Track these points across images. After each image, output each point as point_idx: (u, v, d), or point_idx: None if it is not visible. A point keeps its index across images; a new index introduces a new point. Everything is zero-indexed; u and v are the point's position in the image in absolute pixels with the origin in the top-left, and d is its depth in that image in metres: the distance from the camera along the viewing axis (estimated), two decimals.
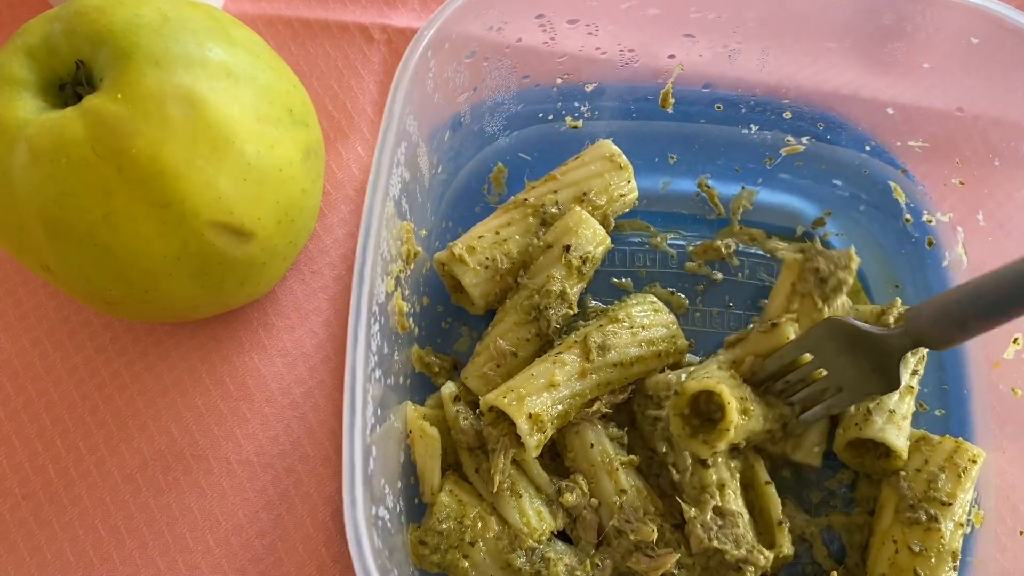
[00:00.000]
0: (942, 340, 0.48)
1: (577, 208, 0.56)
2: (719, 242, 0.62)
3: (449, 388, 0.54)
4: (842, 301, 0.56)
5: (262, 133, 0.48)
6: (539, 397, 0.49)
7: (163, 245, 0.46)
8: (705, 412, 0.50)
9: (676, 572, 0.50)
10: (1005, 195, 0.57)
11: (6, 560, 0.53)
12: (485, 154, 0.62)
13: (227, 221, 0.47)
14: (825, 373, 0.52)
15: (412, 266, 0.53)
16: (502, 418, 0.50)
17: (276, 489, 0.55)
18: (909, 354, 0.56)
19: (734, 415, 0.48)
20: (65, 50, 0.46)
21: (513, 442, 0.50)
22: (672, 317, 0.56)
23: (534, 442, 0.49)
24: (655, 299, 0.56)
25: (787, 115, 0.62)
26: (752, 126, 0.63)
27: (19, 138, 0.44)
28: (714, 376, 0.50)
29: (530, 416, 0.49)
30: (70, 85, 0.47)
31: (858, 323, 0.51)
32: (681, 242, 0.63)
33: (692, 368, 0.54)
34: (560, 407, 0.50)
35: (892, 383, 0.51)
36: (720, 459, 0.52)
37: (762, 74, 0.59)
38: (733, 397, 0.49)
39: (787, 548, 0.52)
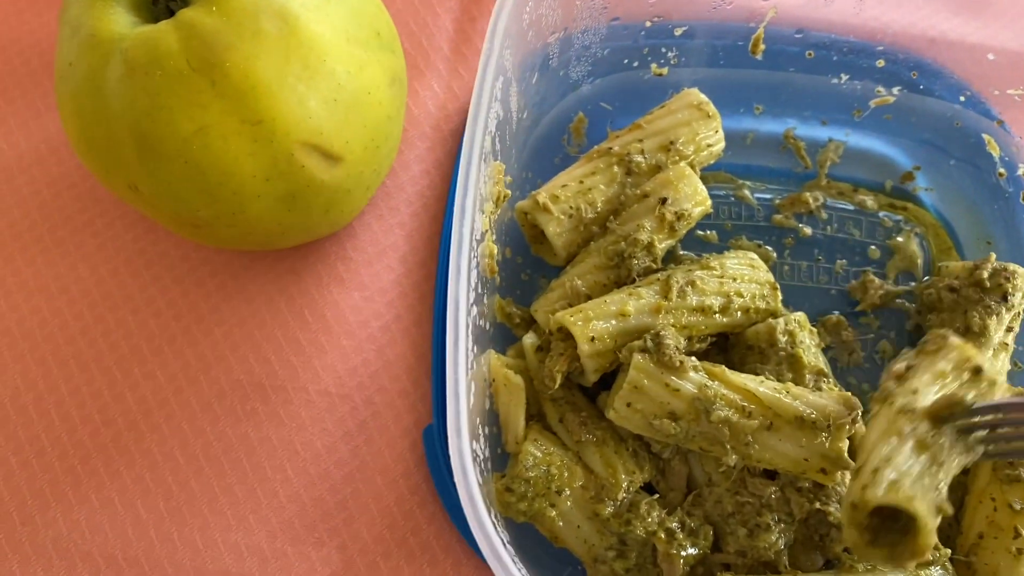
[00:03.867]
0: None
1: (683, 164, 0.54)
2: (807, 195, 0.60)
3: (531, 338, 0.52)
4: None
5: (352, 54, 0.47)
6: (606, 323, 0.48)
7: (253, 164, 0.45)
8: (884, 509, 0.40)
9: (772, 524, 0.48)
10: None
11: (87, 484, 0.53)
12: (567, 102, 0.60)
13: (317, 142, 0.46)
14: None
15: (499, 210, 0.52)
16: (570, 342, 0.49)
17: (354, 420, 0.54)
18: (1004, 310, 0.53)
19: (930, 540, 0.38)
20: None
21: (575, 360, 0.49)
22: (770, 277, 0.52)
23: (593, 365, 0.48)
24: (756, 257, 0.53)
25: (880, 63, 0.59)
26: (842, 75, 0.60)
27: (114, 51, 0.43)
28: (903, 474, 0.39)
29: (593, 339, 0.47)
30: (163, 0, 0.45)
31: None
32: (767, 195, 0.60)
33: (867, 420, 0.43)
34: (626, 338, 0.48)
35: None
36: None
37: (858, 18, 0.57)
38: (931, 514, 0.38)
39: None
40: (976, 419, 0.41)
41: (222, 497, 0.52)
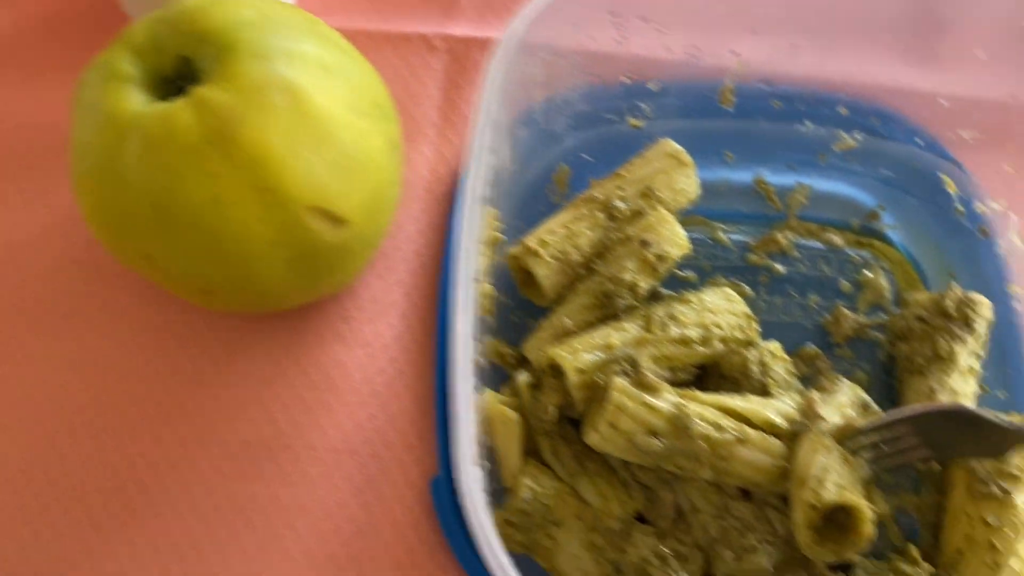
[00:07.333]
0: None
1: (662, 209, 0.58)
2: (778, 235, 0.64)
3: (525, 376, 0.55)
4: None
5: (354, 123, 0.50)
6: (592, 355, 0.51)
7: (263, 229, 0.48)
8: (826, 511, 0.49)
9: (757, 545, 0.50)
10: None
11: (100, 552, 0.54)
12: (551, 154, 0.64)
13: (323, 206, 0.49)
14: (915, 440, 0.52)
15: (493, 254, 0.55)
16: (561, 377, 0.52)
17: (362, 476, 0.56)
18: (969, 336, 0.57)
19: (870, 529, 0.47)
20: (170, 47, 0.48)
21: (566, 394, 0.52)
22: (746, 308, 0.56)
23: (581, 396, 0.51)
24: (732, 292, 0.57)
25: (842, 111, 0.64)
26: (807, 122, 0.65)
27: (132, 128, 0.46)
28: (843, 479, 0.48)
29: (580, 370, 0.51)
30: (175, 80, 0.49)
31: (991, 416, 0.50)
32: (741, 237, 0.64)
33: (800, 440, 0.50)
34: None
35: (996, 456, 0.51)
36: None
37: (821, 70, 0.62)
38: (870, 509, 0.47)
39: (881, 505, 0.52)
40: (864, 440, 0.50)
41: (234, 556, 0.54)
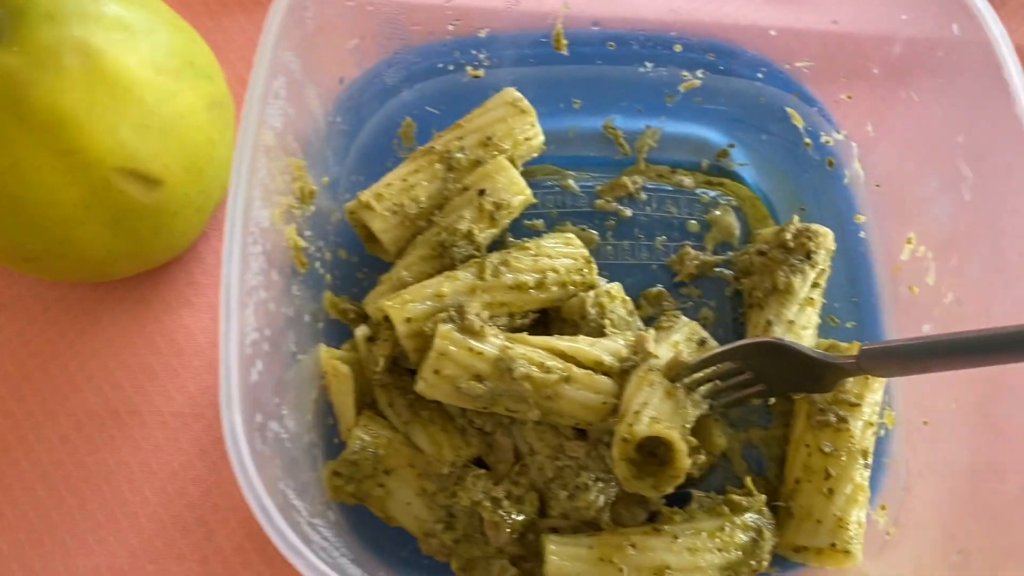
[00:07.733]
0: (891, 375, 0.51)
1: (501, 157, 0.57)
2: (625, 179, 0.63)
3: (363, 330, 0.55)
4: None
5: (161, 83, 0.50)
6: (422, 304, 0.51)
7: (71, 193, 0.47)
8: (647, 445, 0.49)
9: (590, 484, 0.50)
10: (886, 102, 0.59)
11: None
12: (390, 108, 0.63)
13: (133, 167, 0.48)
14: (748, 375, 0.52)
15: (311, 207, 0.54)
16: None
17: (209, 438, 0.56)
18: (808, 267, 0.57)
19: (685, 463, 0.47)
20: None
21: (398, 344, 0.51)
22: (585, 252, 0.56)
23: (412, 345, 0.51)
24: (572, 236, 0.57)
25: (677, 48, 0.64)
26: (647, 63, 0.65)
27: None
28: (660, 413, 0.48)
29: (408, 320, 0.50)
30: None
31: (802, 348, 0.51)
32: (590, 183, 0.64)
33: (629, 380, 0.50)
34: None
35: (824, 390, 0.52)
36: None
37: (647, 8, 0.61)
38: (684, 441, 0.48)
39: (719, 440, 0.53)
40: (699, 375, 0.50)
41: (83, 523, 0.54)
